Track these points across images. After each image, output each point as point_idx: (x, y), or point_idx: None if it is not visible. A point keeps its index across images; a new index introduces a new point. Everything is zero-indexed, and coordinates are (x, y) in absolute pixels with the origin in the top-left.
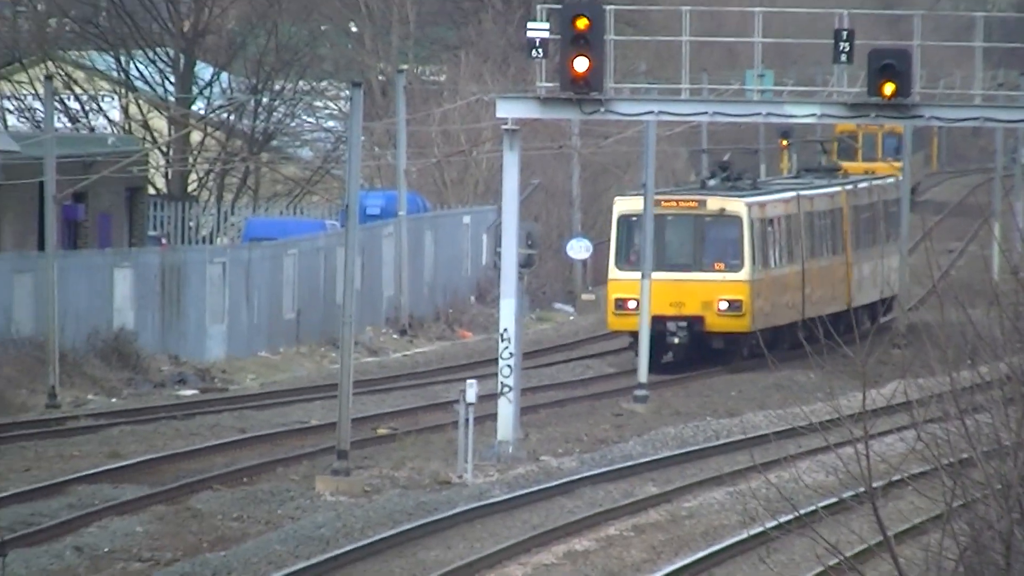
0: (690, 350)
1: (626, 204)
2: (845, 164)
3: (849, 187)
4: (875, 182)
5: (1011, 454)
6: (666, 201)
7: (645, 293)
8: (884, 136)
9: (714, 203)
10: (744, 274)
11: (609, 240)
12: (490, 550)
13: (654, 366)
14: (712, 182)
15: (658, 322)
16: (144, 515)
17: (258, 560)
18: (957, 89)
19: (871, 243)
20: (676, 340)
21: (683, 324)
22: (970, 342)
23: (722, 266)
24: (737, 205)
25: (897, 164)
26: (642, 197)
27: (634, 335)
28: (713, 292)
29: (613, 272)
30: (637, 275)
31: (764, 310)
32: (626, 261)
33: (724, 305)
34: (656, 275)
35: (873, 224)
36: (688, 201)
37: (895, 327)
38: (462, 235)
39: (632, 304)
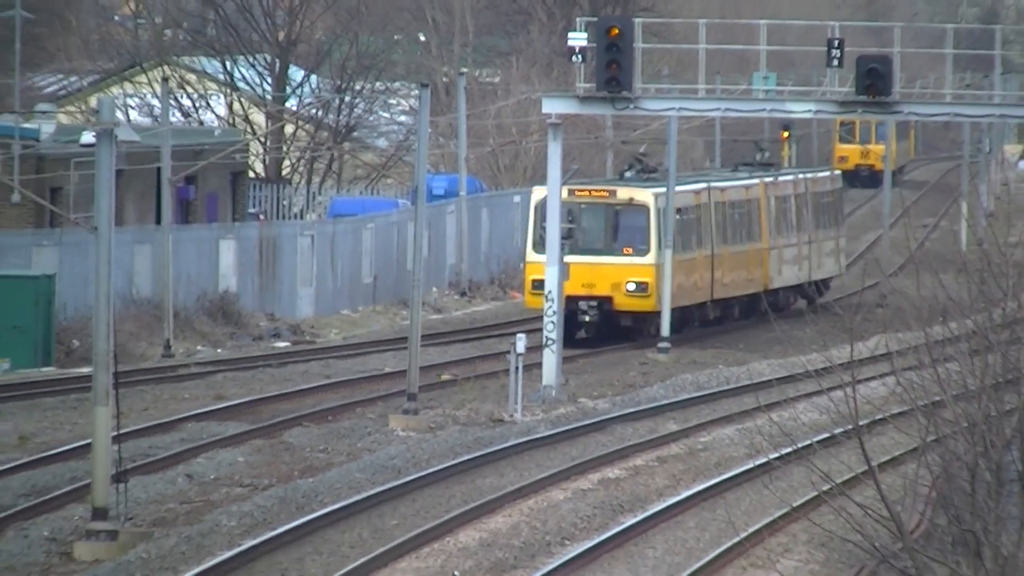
0: (600, 327)
1: (543, 192)
2: (843, 147)
3: (769, 180)
4: (806, 175)
5: (976, 397)
6: (579, 191)
7: (667, 274)
8: (877, 126)
9: (624, 193)
10: (650, 258)
11: (528, 223)
12: (536, 477)
13: (569, 341)
14: (629, 174)
15: (571, 301)
16: (245, 448)
17: (341, 486)
18: (931, 89)
19: (796, 230)
20: (587, 318)
21: (594, 304)
22: (941, 303)
23: (630, 250)
24: (644, 195)
25: (878, 147)
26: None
27: None
28: (621, 274)
29: (530, 255)
30: None
31: (672, 291)
32: (542, 245)
33: (632, 286)
34: (570, 258)
35: (799, 213)
36: (600, 191)
37: (828, 303)
38: (513, 212)
39: None
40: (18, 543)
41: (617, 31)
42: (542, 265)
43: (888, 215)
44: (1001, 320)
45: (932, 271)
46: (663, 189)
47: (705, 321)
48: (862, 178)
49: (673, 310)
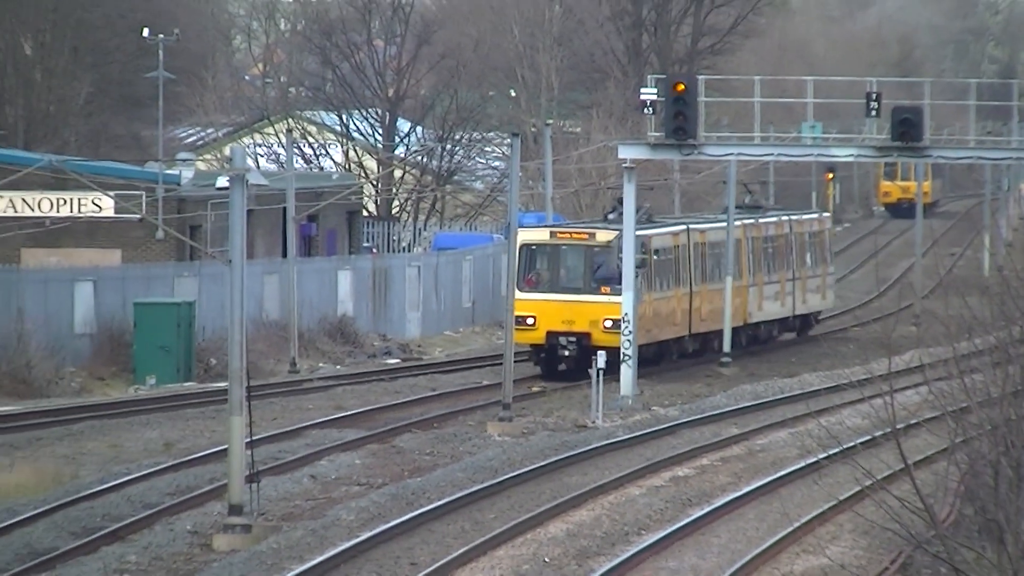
0: (579, 361)
1: (527, 235)
2: (887, 184)
3: (749, 221)
4: (791, 217)
5: (998, 404)
6: (561, 233)
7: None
8: (915, 165)
9: (602, 235)
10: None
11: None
12: (615, 475)
13: (551, 373)
14: (612, 215)
15: (552, 336)
16: (361, 451)
17: (445, 484)
18: (957, 135)
19: (778, 268)
20: (567, 353)
21: (573, 339)
22: (967, 321)
23: (608, 290)
24: None
25: (926, 184)
26: (541, 229)
27: (534, 347)
28: (599, 312)
29: (516, 293)
30: (534, 296)
31: (646, 327)
32: (525, 283)
33: (609, 323)
34: (552, 296)
35: (782, 253)
36: (580, 233)
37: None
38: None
39: (531, 320)
40: (165, 535)
41: (683, 87)
42: (525, 302)
43: (920, 245)
44: (1020, 336)
45: (959, 294)
46: (643, 231)
47: (684, 354)
48: (902, 210)
49: (650, 344)
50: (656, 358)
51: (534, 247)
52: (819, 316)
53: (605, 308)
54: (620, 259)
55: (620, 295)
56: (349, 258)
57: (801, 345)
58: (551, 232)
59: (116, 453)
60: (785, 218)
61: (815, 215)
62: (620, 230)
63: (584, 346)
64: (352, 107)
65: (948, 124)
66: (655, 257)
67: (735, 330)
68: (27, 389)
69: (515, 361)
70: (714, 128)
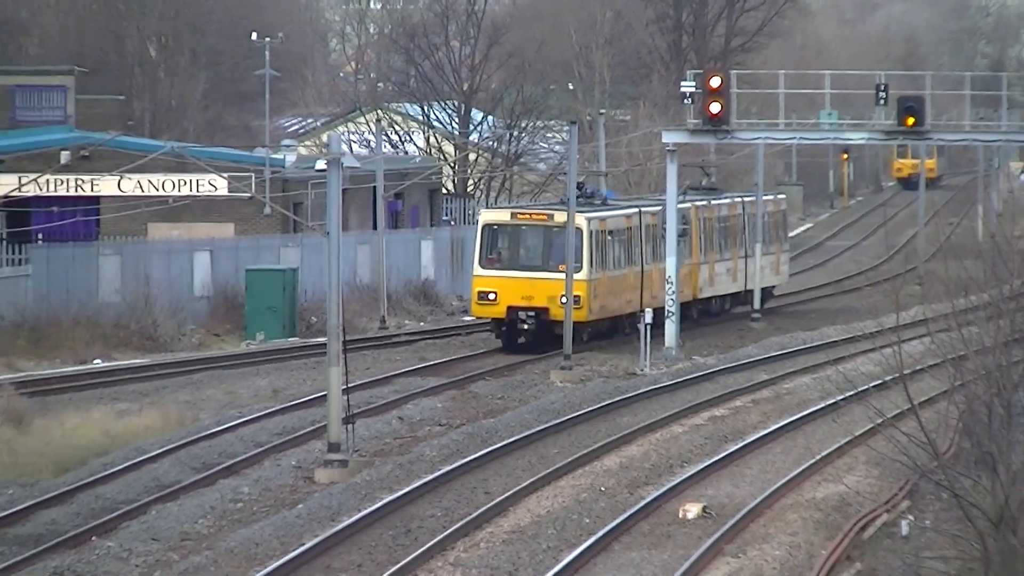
0: (537, 335)
1: (489, 215)
2: (899, 161)
3: (700, 203)
4: (744, 199)
5: (992, 352)
6: (521, 214)
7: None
8: (919, 146)
9: (560, 217)
10: (583, 275)
11: (475, 242)
12: (661, 416)
13: (511, 347)
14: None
15: (512, 311)
16: (441, 396)
17: (515, 424)
18: (954, 121)
19: (731, 247)
20: (526, 327)
21: (532, 314)
22: (964, 281)
23: (564, 268)
24: (579, 219)
25: (930, 161)
26: (503, 210)
27: (495, 321)
28: (557, 289)
29: (477, 269)
30: (495, 272)
31: (600, 303)
32: (487, 261)
33: (565, 299)
34: (512, 273)
35: (734, 233)
36: (539, 214)
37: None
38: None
39: (492, 296)
40: (273, 470)
41: (718, 80)
42: (486, 278)
43: (923, 215)
44: (1010, 293)
45: (957, 257)
46: (597, 213)
47: (635, 329)
48: (912, 184)
49: (604, 319)
50: (609, 332)
51: (496, 227)
52: (773, 290)
53: (562, 284)
54: (580, 239)
55: (578, 273)
56: (430, 230)
57: (821, 304)
58: (512, 213)
59: (230, 399)
60: (739, 199)
61: (771, 197)
62: (579, 211)
63: (542, 320)
64: (432, 99)
65: (946, 111)
66: (610, 238)
67: (687, 304)
68: (153, 344)
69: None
70: (744, 116)
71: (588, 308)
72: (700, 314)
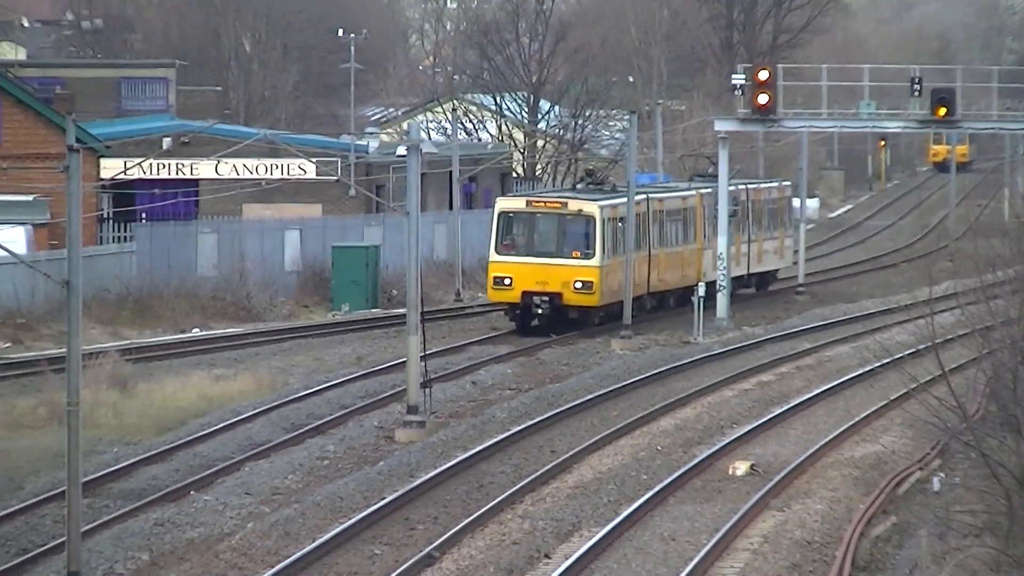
0: (551, 318)
1: (505, 203)
2: (935, 147)
3: (706, 191)
4: (749, 186)
5: (1017, 323)
6: (536, 202)
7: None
8: (951, 134)
9: (573, 205)
10: (595, 261)
11: (492, 230)
12: (712, 381)
13: (525, 329)
14: (580, 186)
15: (526, 296)
16: (511, 363)
17: (578, 388)
18: (983, 111)
19: (735, 232)
20: (540, 311)
21: (546, 299)
22: (991, 258)
23: (578, 254)
24: (591, 207)
25: (962, 147)
26: (518, 198)
27: (510, 305)
28: (570, 274)
29: (492, 256)
30: (511, 259)
31: (611, 288)
32: (503, 247)
33: (579, 284)
34: (527, 259)
35: (740, 218)
36: (553, 202)
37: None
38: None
39: (508, 281)
40: (357, 429)
41: (766, 73)
42: (503, 264)
43: (954, 197)
44: None
45: (985, 236)
46: (609, 201)
47: (642, 310)
48: (947, 168)
49: (612, 304)
50: (618, 315)
51: (511, 214)
52: (777, 274)
53: (576, 270)
54: (592, 227)
55: (590, 259)
56: None
57: (860, 279)
58: (527, 201)
59: (318, 365)
60: (743, 187)
61: (775, 184)
62: (591, 199)
63: (556, 305)
64: (503, 91)
65: (976, 102)
66: (620, 224)
67: (687, 288)
68: (247, 315)
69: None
70: (790, 106)
71: (600, 293)
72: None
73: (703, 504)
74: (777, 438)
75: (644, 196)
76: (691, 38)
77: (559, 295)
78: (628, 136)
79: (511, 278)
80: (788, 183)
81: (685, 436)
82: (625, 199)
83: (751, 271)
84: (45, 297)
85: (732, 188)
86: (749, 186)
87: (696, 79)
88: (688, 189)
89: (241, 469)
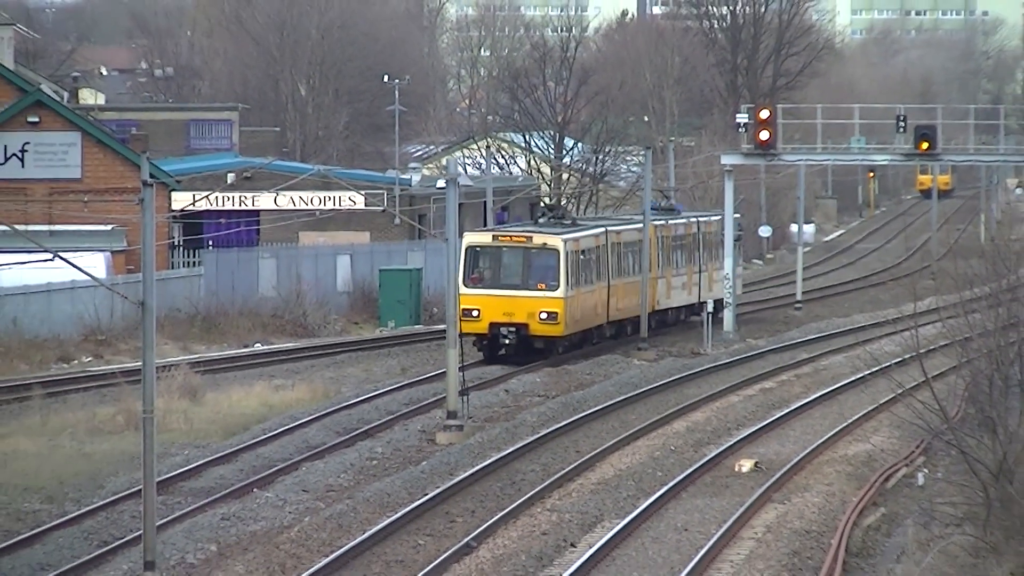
0: (518, 348)
1: (472, 237)
2: (922, 176)
3: (660, 223)
4: (699, 219)
5: (992, 334)
6: (502, 236)
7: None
8: (932, 167)
9: (538, 239)
10: (560, 292)
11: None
12: (720, 388)
13: (493, 358)
14: (542, 220)
15: (494, 327)
16: (540, 372)
17: (600, 395)
18: (960, 145)
19: (687, 262)
20: (507, 341)
21: (512, 329)
22: (970, 276)
23: (543, 286)
24: (555, 240)
25: (945, 177)
26: (485, 232)
27: (478, 336)
28: (536, 306)
29: (461, 288)
30: (478, 291)
31: (575, 318)
32: (471, 280)
33: (544, 315)
34: (494, 291)
35: (690, 249)
36: (519, 236)
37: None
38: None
39: (476, 312)
40: (402, 433)
41: (767, 112)
42: (471, 296)
43: (935, 222)
44: (1007, 286)
45: (964, 257)
46: (572, 234)
47: (602, 338)
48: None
49: (575, 333)
50: (580, 343)
51: (478, 248)
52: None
53: (541, 302)
54: (556, 260)
55: (555, 291)
56: None
57: (852, 296)
58: (494, 235)
59: (367, 375)
60: (694, 219)
61: (717, 218)
62: (555, 233)
63: (523, 335)
64: (532, 129)
65: (954, 137)
66: (582, 256)
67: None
68: (304, 331)
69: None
70: (789, 142)
71: (565, 323)
72: (658, 324)
73: (712, 498)
74: (778, 438)
75: (603, 229)
76: (700, 81)
77: (525, 326)
78: (644, 169)
79: (479, 310)
80: (737, 216)
81: (696, 437)
82: (588, 232)
83: (701, 300)
84: (123, 316)
85: (683, 220)
86: (701, 218)
87: (704, 118)
88: (639, 221)
89: (299, 469)
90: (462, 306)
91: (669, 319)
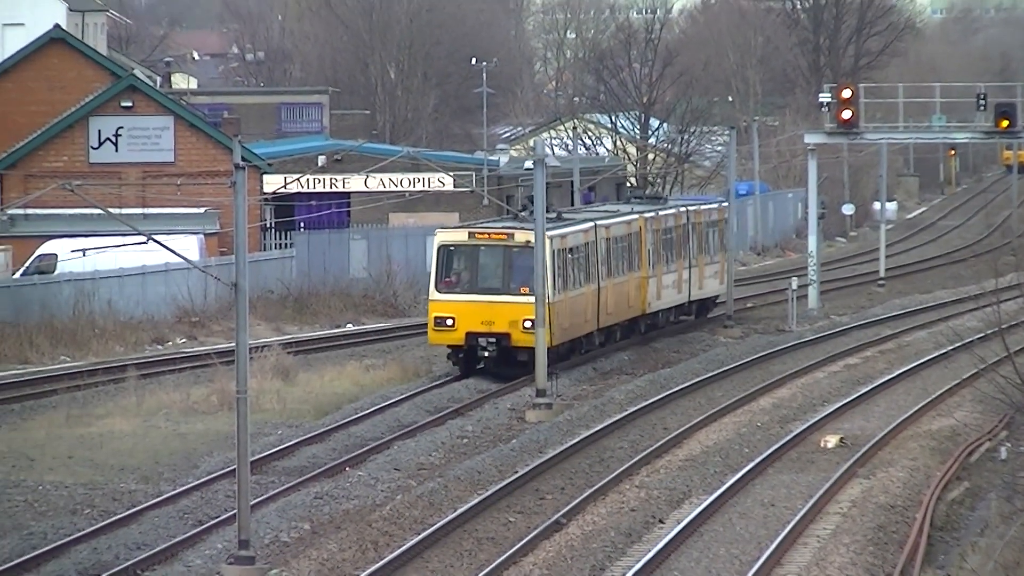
0: (498, 361)
1: (445, 235)
2: (1007, 152)
3: (650, 215)
4: (689, 208)
5: None
6: (479, 233)
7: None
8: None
9: (521, 236)
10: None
11: (431, 265)
12: (805, 364)
13: (470, 371)
14: (523, 214)
15: (471, 337)
16: (629, 351)
17: (687, 372)
18: None
19: (677, 258)
20: (486, 353)
21: (492, 339)
22: None
23: (527, 290)
24: None
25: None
26: (460, 229)
27: (453, 348)
28: (519, 312)
29: (433, 294)
30: (453, 296)
31: (563, 325)
32: (443, 284)
33: (529, 324)
34: (471, 297)
35: (679, 242)
36: (499, 233)
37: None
38: (789, 203)
39: (450, 321)
40: (492, 411)
41: (849, 91)
42: (444, 303)
43: (1016, 198)
44: None
45: None
46: (559, 230)
47: (592, 347)
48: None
49: (565, 343)
50: (568, 353)
51: (452, 248)
52: (717, 299)
53: (525, 308)
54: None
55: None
56: None
57: (934, 272)
58: (469, 232)
59: None
60: (683, 209)
61: (714, 204)
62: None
63: (504, 346)
64: (618, 110)
65: None
66: (570, 256)
67: (633, 320)
68: (394, 311)
69: (736, 284)
70: (871, 120)
71: (552, 332)
72: (647, 328)
73: (798, 473)
74: (863, 414)
75: (592, 223)
76: (782, 61)
77: (507, 335)
78: (728, 149)
79: (454, 318)
80: (727, 204)
81: (781, 413)
82: (576, 228)
83: (692, 299)
84: (216, 298)
85: (672, 210)
86: (690, 208)
87: (787, 97)
88: (631, 213)
89: (390, 447)
90: (434, 314)
91: (660, 322)
